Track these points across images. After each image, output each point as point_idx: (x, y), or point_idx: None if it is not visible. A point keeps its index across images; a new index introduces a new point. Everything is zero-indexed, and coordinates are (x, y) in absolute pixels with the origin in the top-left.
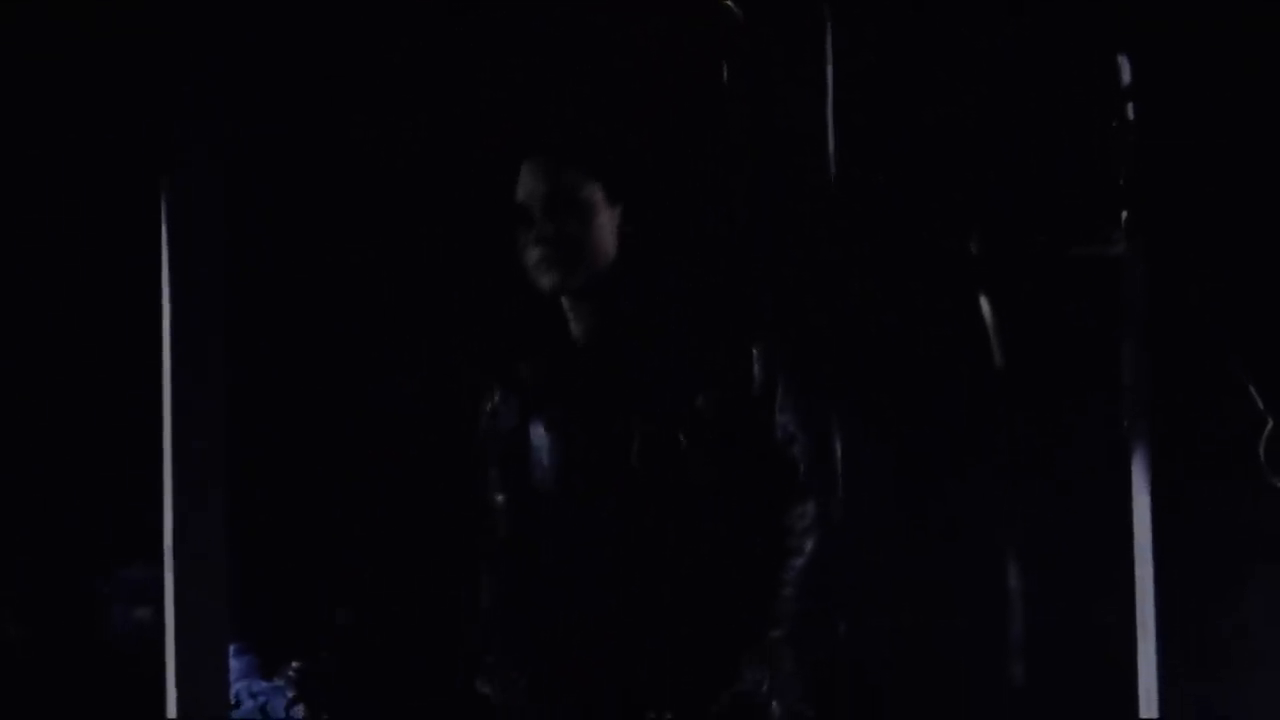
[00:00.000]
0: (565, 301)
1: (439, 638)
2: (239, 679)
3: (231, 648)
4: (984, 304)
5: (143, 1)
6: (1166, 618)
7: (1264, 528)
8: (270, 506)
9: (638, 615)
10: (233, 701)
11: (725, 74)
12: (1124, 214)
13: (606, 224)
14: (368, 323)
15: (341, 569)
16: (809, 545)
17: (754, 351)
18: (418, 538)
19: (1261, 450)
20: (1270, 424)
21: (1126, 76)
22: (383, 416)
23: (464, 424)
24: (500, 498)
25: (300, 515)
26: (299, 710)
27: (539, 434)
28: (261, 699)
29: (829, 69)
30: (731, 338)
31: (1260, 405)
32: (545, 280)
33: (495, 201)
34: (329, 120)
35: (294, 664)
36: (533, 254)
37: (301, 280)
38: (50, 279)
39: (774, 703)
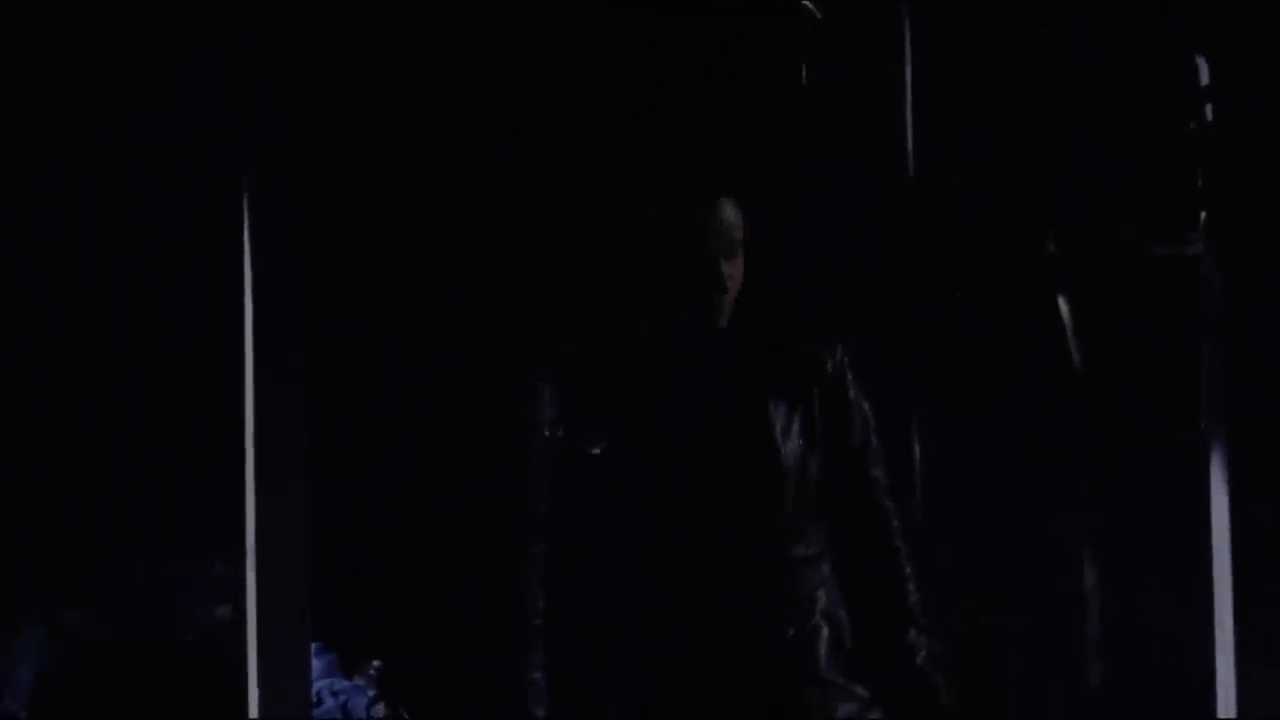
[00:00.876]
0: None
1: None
2: (320, 678)
3: (313, 646)
4: (1062, 304)
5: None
6: (1244, 618)
7: None
8: (352, 506)
9: (702, 628)
10: (314, 700)
11: (803, 75)
12: (1202, 215)
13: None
14: (446, 325)
15: (422, 569)
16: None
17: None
18: (493, 538)
19: None
20: None
21: (1205, 77)
22: (462, 418)
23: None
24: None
25: (381, 515)
26: (380, 709)
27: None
28: (343, 698)
29: (907, 69)
30: (812, 342)
31: None
32: (709, 322)
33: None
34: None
35: (375, 663)
36: (708, 298)
37: (379, 278)
38: (130, 279)
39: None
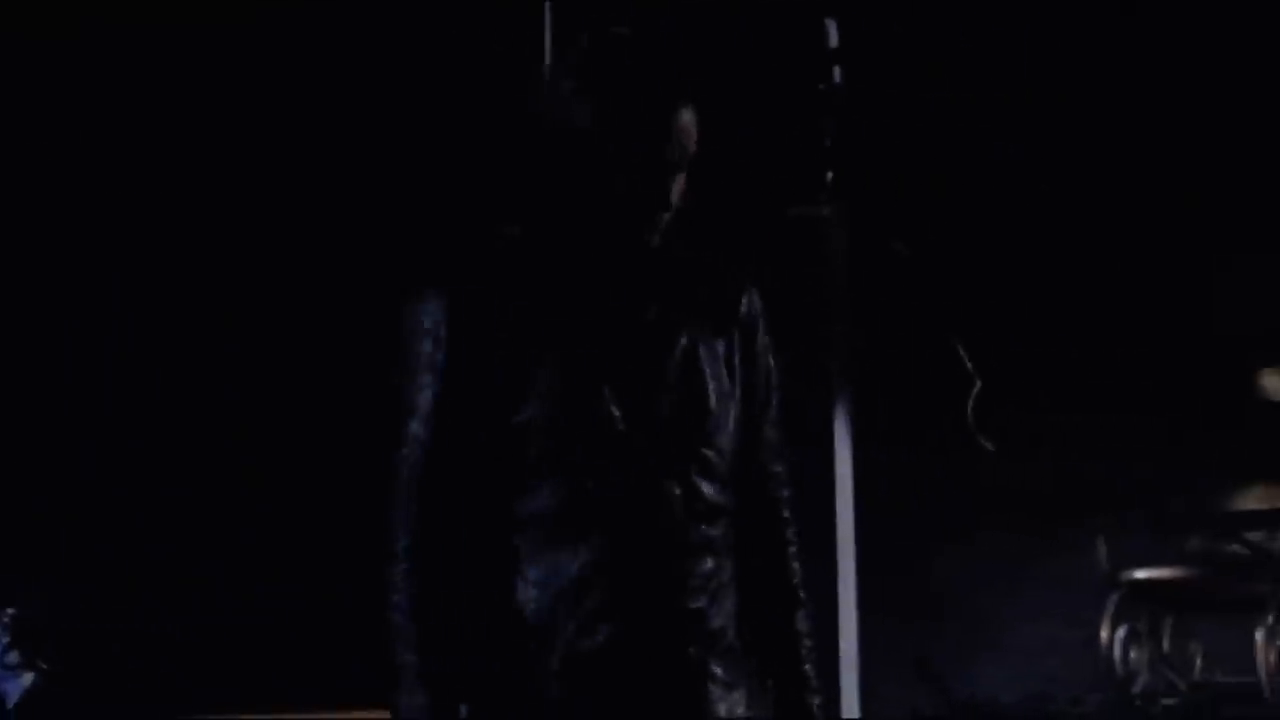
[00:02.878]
0: None
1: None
2: None
3: None
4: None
5: None
6: (866, 572)
7: (967, 485)
8: None
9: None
10: None
11: None
12: (829, 175)
13: None
14: None
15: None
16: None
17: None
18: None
19: (970, 410)
20: (978, 384)
21: (834, 40)
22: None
23: None
24: None
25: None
26: (13, 656)
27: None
28: None
29: None
30: None
31: (968, 365)
32: (645, 240)
33: None
34: None
35: (9, 610)
36: (652, 216)
37: None
38: None
39: None
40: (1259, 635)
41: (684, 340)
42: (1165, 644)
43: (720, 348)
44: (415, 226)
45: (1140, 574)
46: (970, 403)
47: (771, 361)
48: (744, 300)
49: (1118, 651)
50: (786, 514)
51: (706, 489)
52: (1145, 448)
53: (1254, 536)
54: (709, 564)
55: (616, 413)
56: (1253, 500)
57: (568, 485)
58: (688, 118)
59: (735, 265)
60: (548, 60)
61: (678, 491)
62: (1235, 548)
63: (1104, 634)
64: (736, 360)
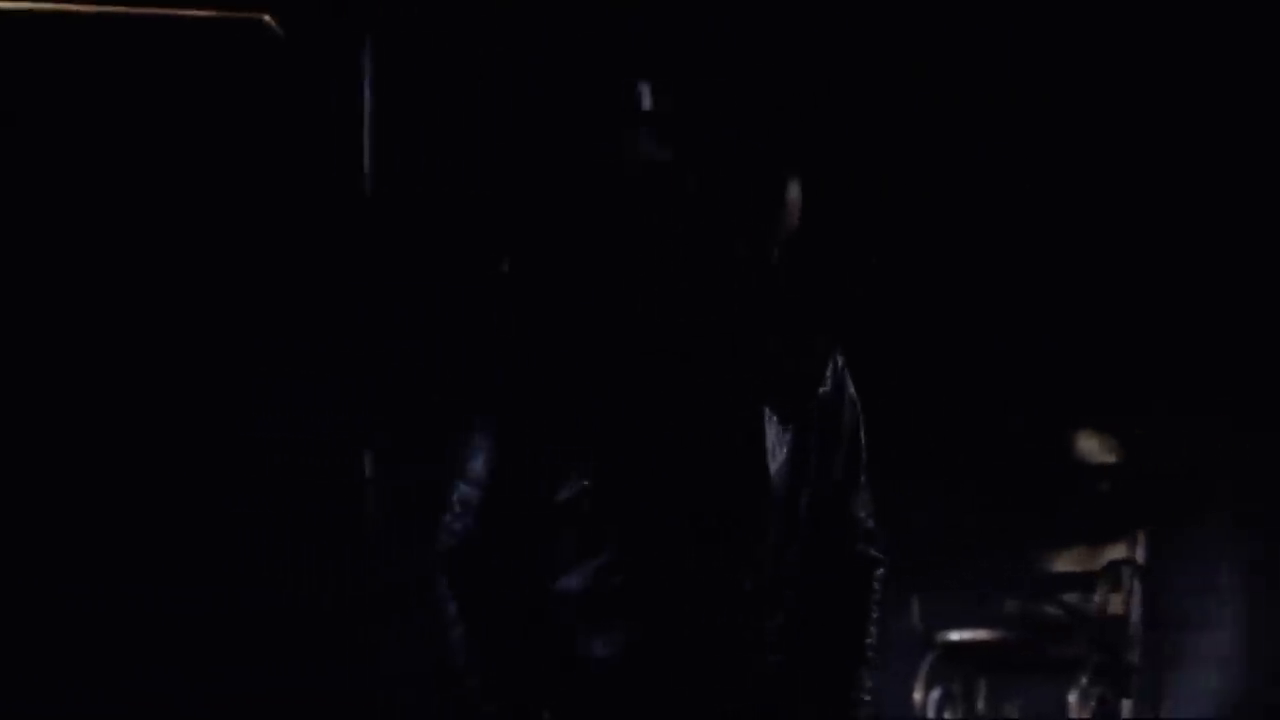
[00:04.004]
0: None
1: None
2: None
3: None
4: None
5: None
6: None
7: None
8: None
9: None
10: None
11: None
12: None
13: None
14: None
15: None
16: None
17: None
18: None
19: None
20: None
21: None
22: None
23: None
24: None
25: None
26: None
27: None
28: None
29: (367, 89)
30: None
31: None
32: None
33: None
34: None
35: None
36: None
37: None
38: None
39: None
40: (1073, 697)
41: (749, 424)
42: (980, 706)
43: (791, 430)
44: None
45: (955, 635)
46: None
47: (861, 436)
48: (828, 371)
49: (932, 713)
50: (876, 587)
51: (751, 583)
52: (961, 509)
53: (1069, 598)
54: (751, 661)
55: (664, 494)
56: (1068, 562)
57: (607, 567)
58: (796, 191)
59: (819, 331)
60: (367, 83)
61: (721, 584)
62: (1050, 609)
63: (918, 695)
64: (814, 441)
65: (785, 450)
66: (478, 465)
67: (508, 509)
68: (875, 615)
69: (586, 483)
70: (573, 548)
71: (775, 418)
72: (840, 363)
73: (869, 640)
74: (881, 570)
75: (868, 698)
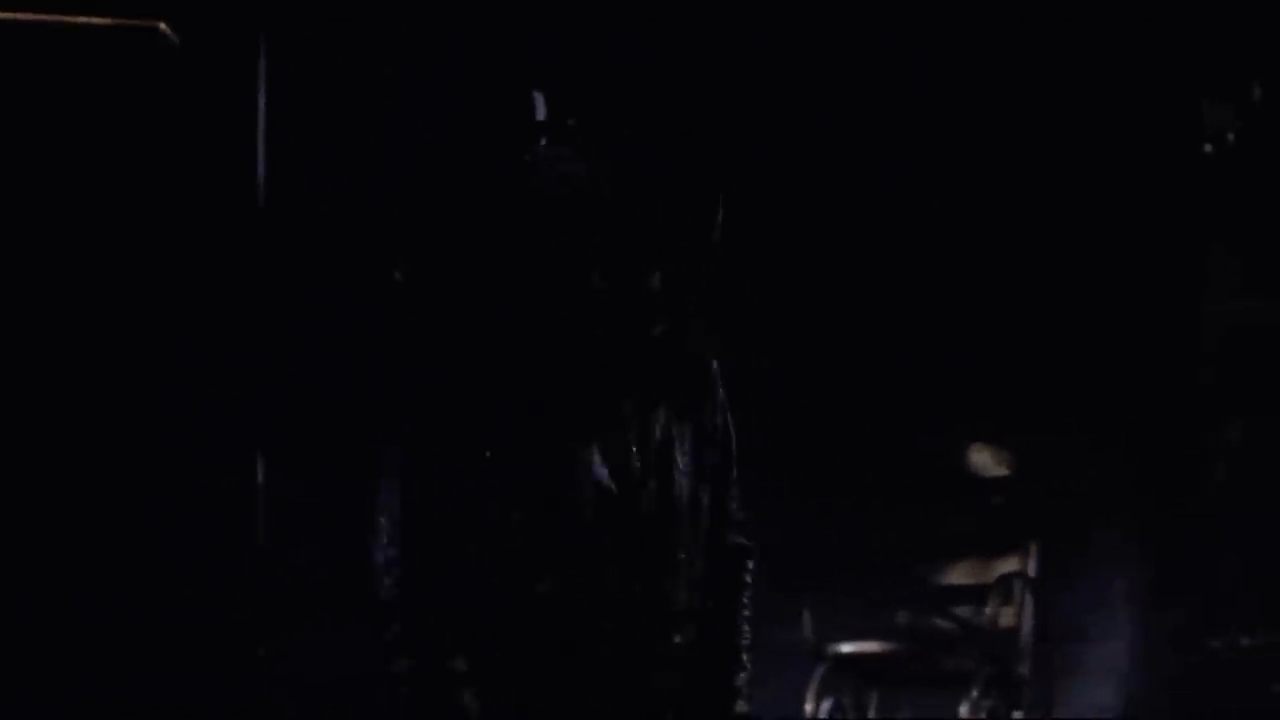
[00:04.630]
0: None
1: None
2: None
3: None
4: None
5: None
6: None
7: None
8: None
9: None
10: None
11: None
12: None
13: None
14: None
15: None
16: None
17: None
18: None
19: None
20: None
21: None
22: None
23: None
24: None
25: None
26: None
27: None
28: None
29: (261, 98)
30: None
31: None
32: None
33: None
34: None
35: None
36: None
37: None
38: None
39: None
40: (964, 709)
41: (659, 433)
42: (871, 717)
43: (689, 435)
44: None
45: (847, 647)
46: None
47: (731, 431)
48: (710, 375)
49: None
50: (747, 579)
51: (677, 595)
52: (852, 521)
53: (961, 610)
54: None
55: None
56: (959, 575)
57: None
58: (705, 207)
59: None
60: (261, 94)
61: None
62: (942, 621)
63: (809, 707)
64: (703, 445)
65: (688, 459)
66: (390, 490)
67: (423, 531)
68: (748, 610)
69: (497, 500)
70: (491, 565)
71: (683, 433)
72: (716, 366)
73: (744, 630)
74: (751, 561)
75: (744, 689)
